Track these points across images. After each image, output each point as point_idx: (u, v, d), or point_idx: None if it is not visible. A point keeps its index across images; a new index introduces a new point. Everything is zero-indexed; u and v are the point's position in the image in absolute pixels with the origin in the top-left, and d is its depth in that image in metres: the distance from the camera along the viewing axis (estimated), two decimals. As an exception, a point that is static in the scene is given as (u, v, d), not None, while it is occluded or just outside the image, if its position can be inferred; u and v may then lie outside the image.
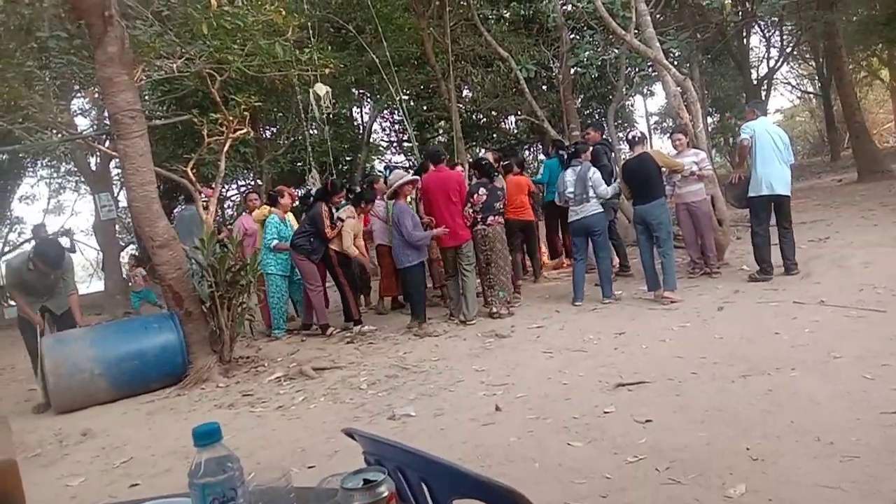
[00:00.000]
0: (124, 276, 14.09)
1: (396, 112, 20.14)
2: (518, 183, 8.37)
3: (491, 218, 7.03)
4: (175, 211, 16.41)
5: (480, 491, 0.99)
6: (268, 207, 7.89)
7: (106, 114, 6.78)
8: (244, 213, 8.60)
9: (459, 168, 8.37)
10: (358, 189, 8.43)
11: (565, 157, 7.64)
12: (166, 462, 4.02)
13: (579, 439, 3.46)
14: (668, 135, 7.78)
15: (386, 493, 0.95)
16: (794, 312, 5.45)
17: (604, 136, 8.85)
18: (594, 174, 7.12)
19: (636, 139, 7.23)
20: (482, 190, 7.05)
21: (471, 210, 7.01)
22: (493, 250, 7.03)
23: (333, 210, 7.51)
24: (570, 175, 7.24)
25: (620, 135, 23.27)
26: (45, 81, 9.11)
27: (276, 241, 7.41)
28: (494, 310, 7.00)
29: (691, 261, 7.85)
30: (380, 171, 14.52)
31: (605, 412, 3.79)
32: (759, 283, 6.74)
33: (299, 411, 4.76)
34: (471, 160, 10.44)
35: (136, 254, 13.42)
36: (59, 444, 4.70)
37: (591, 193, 7.03)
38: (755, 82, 23.20)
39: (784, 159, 6.95)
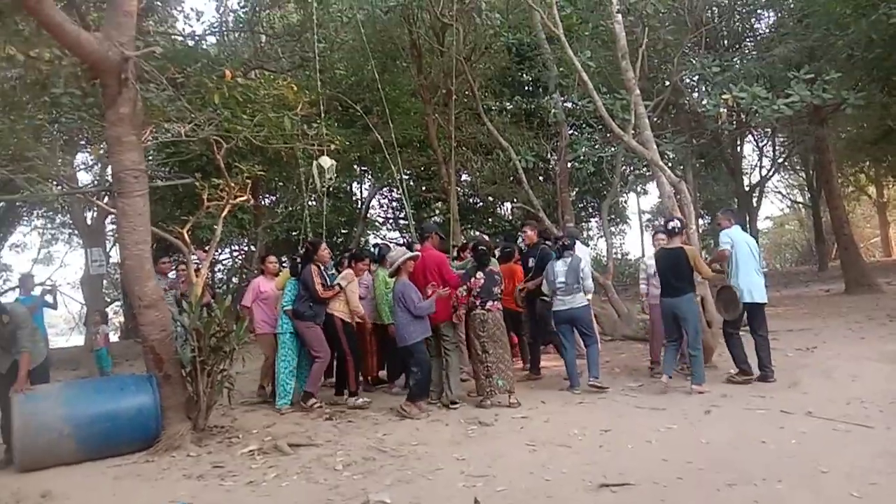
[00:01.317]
0: (86, 331, 13.23)
1: (396, 190, 20.48)
2: (512, 271, 8.35)
3: (490, 303, 6.84)
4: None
5: None
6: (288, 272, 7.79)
7: (108, 170, 6.87)
8: (261, 276, 8.44)
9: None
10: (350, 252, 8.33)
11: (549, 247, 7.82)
12: (127, 533, 3.84)
13: (559, 540, 3.34)
14: (652, 234, 7.94)
15: None
16: (781, 421, 5.38)
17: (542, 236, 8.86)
18: (586, 266, 7.25)
19: (675, 230, 6.96)
20: (479, 274, 6.93)
21: (465, 292, 6.89)
22: (490, 337, 6.79)
23: (323, 269, 7.37)
24: (560, 266, 7.31)
25: (613, 229, 23.69)
26: (53, 135, 9.26)
27: (290, 307, 7.30)
28: (488, 402, 6.71)
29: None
30: (369, 248, 14.52)
31: (587, 513, 3.68)
32: (745, 387, 6.69)
33: (270, 488, 4.60)
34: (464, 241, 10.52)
35: (104, 311, 12.86)
36: (16, 506, 4.51)
37: (580, 285, 7.14)
38: (747, 189, 23.78)
39: (758, 268, 7.09)
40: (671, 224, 7.00)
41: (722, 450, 4.73)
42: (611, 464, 4.59)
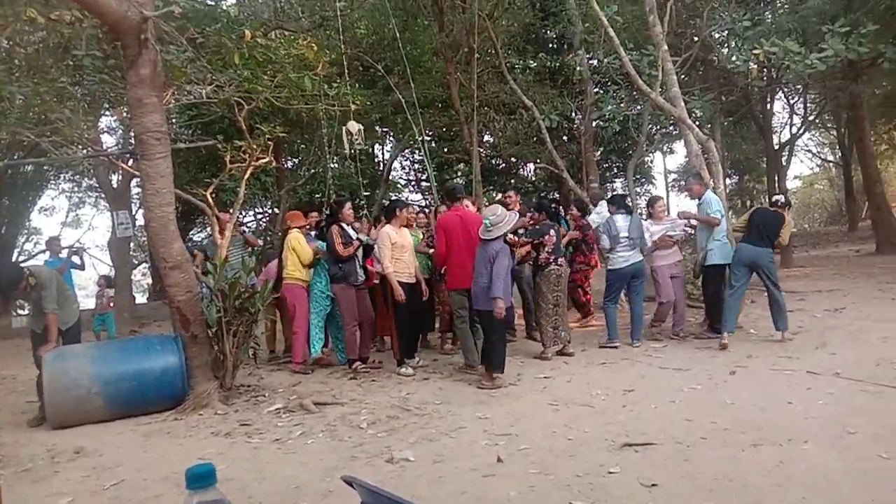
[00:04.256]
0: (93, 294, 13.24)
1: (417, 152, 20.37)
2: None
3: (560, 259, 7.17)
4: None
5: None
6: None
7: (132, 133, 6.87)
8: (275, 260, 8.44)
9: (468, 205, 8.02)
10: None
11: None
12: (157, 488, 3.93)
13: (582, 499, 3.35)
14: (648, 203, 8.26)
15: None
16: (808, 382, 5.32)
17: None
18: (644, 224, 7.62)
19: (780, 203, 7.44)
20: (552, 231, 7.12)
21: (546, 252, 7.04)
22: (561, 291, 7.13)
23: (347, 228, 7.28)
24: (622, 221, 7.42)
25: (638, 189, 23.36)
26: (77, 98, 9.28)
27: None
28: (549, 353, 6.99)
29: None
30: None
31: (610, 472, 3.67)
32: (772, 348, 6.65)
33: (296, 446, 4.66)
34: (489, 202, 10.39)
35: (109, 275, 12.94)
36: (51, 461, 4.63)
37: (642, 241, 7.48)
38: (776, 147, 23.22)
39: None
40: (782, 200, 7.54)
41: (747, 410, 4.69)
42: (634, 424, 4.58)
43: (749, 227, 7.12)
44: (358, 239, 7.20)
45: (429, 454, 4.23)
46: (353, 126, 8.85)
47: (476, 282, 6.26)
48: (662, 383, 5.69)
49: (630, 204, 8.04)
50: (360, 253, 7.27)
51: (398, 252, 6.90)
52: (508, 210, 7.05)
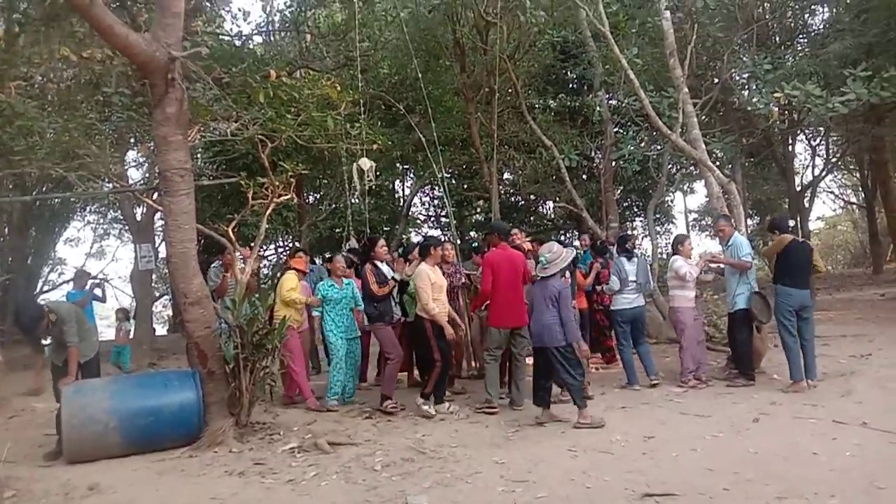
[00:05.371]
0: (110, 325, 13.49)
1: (437, 188, 20.48)
2: None
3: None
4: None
5: None
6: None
7: (156, 168, 6.98)
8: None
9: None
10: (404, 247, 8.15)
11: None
12: (169, 528, 3.90)
13: (600, 551, 3.26)
14: (675, 241, 7.91)
15: None
16: (834, 432, 5.18)
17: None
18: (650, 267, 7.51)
19: (791, 227, 7.34)
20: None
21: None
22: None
23: (382, 266, 7.33)
24: (629, 265, 7.42)
25: (658, 229, 23.27)
26: (104, 134, 9.50)
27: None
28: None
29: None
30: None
31: (629, 524, 3.59)
32: (796, 395, 6.51)
33: (309, 487, 4.61)
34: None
35: (126, 308, 12.98)
36: (65, 497, 4.62)
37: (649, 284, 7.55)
38: (798, 189, 23.05)
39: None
40: (792, 222, 7.21)
41: (771, 461, 4.57)
42: (654, 472, 4.48)
43: (788, 267, 6.85)
44: (393, 279, 7.24)
45: (444, 500, 4.17)
46: (365, 163, 8.95)
47: (537, 320, 6.13)
48: (683, 430, 5.57)
49: (634, 247, 7.86)
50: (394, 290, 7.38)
51: (436, 291, 6.76)
52: (514, 246, 7.08)
